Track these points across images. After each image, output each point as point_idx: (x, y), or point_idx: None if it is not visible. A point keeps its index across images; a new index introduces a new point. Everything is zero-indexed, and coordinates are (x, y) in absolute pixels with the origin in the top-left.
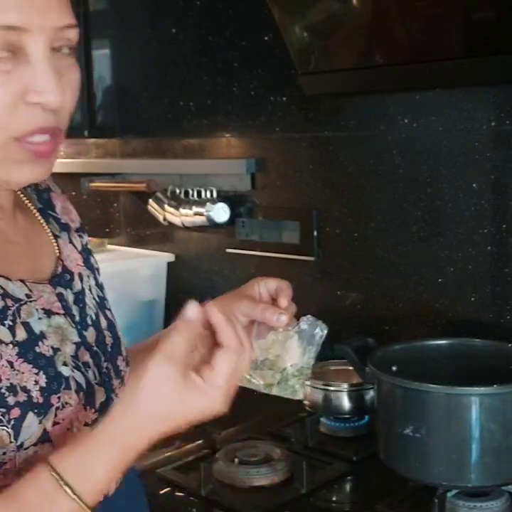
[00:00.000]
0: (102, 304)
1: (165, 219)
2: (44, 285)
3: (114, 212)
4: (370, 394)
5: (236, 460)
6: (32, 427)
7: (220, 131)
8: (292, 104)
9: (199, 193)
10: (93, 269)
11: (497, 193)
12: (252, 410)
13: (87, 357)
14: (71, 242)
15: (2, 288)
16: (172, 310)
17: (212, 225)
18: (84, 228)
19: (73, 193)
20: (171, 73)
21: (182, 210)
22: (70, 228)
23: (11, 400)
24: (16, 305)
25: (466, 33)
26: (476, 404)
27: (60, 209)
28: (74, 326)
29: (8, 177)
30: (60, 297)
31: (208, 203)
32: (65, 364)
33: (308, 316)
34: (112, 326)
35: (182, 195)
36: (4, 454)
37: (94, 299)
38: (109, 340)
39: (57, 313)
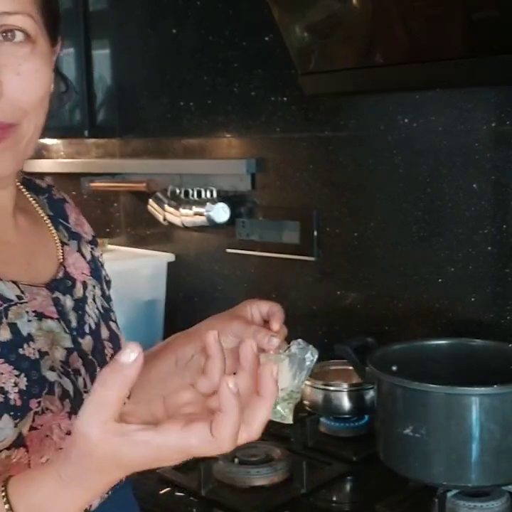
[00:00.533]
0: (106, 315)
1: (165, 219)
2: (39, 288)
3: (114, 212)
4: (370, 394)
5: (236, 460)
6: (6, 429)
7: (220, 131)
8: (292, 104)
9: (199, 193)
10: (101, 281)
11: (497, 193)
12: None
13: (78, 364)
14: (80, 250)
15: None
16: (172, 310)
17: (212, 225)
18: (97, 241)
19: (73, 193)
20: (171, 73)
21: (182, 210)
22: (80, 238)
23: None
24: (5, 305)
25: (466, 33)
26: (476, 404)
27: (74, 220)
28: (68, 331)
29: None
30: (56, 301)
31: (207, 203)
32: (52, 369)
33: (299, 340)
34: (115, 338)
35: (182, 195)
36: None
37: (97, 308)
38: (109, 351)
39: (50, 317)
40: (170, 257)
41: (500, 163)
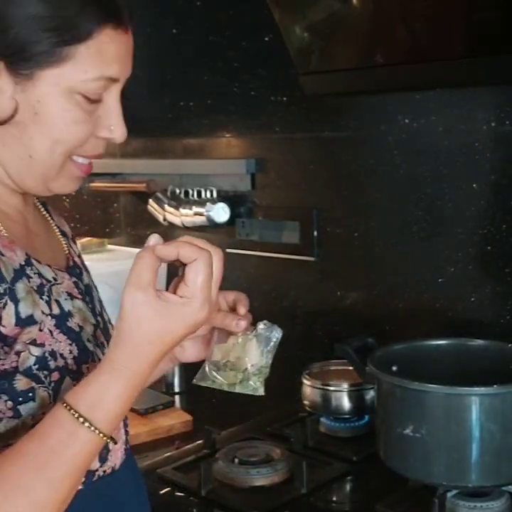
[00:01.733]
0: (102, 303)
1: (165, 219)
2: (63, 272)
3: (114, 213)
4: (370, 394)
5: (236, 460)
6: (68, 390)
7: (221, 131)
8: (292, 104)
9: (199, 193)
10: (90, 274)
11: (497, 193)
12: (252, 410)
13: (102, 338)
14: (70, 246)
15: (37, 268)
16: None
17: (212, 225)
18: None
19: (73, 193)
20: (171, 73)
21: (182, 210)
22: (68, 236)
23: (52, 364)
24: (48, 284)
25: (466, 33)
26: (476, 404)
27: (58, 219)
28: (90, 309)
29: (54, 187)
30: (77, 285)
31: (207, 203)
32: (88, 340)
33: (265, 321)
34: (110, 323)
35: (182, 195)
36: (43, 413)
37: (98, 296)
38: (112, 332)
39: (77, 297)
40: None
41: (500, 163)
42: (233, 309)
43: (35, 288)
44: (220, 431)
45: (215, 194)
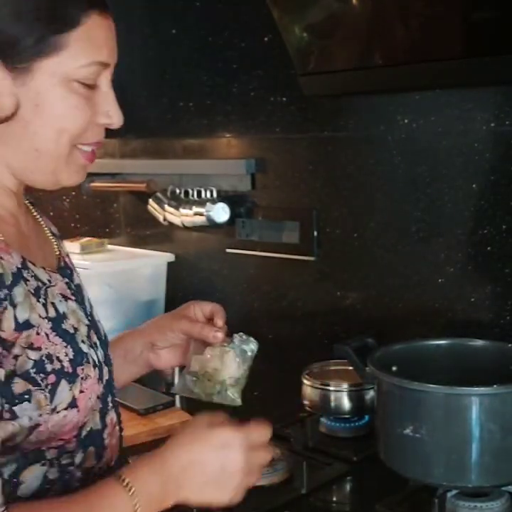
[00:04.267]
0: (91, 302)
1: (165, 219)
2: (56, 274)
3: (114, 213)
4: (370, 394)
5: None
6: (64, 392)
7: (220, 131)
8: (292, 105)
9: (199, 193)
10: (78, 274)
11: (496, 194)
12: (251, 410)
13: (95, 338)
14: (59, 246)
15: (32, 271)
16: (172, 310)
17: (212, 225)
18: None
19: (73, 193)
20: (170, 73)
21: (182, 210)
22: (57, 235)
23: (48, 367)
24: (44, 287)
25: (465, 34)
26: (476, 405)
27: (46, 221)
28: (83, 310)
29: (63, 179)
30: (69, 285)
31: (207, 203)
32: (82, 342)
33: (241, 333)
34: (100, 322)
35: (182, 195)
36: (40, 415)
37: (87, 295)
38: (102, 331)
39: (70, 299)
40: (170, 257)
41: (499, 164)
42: (210, 320)
43: (32, 291)
44: None
45: (215, 194)
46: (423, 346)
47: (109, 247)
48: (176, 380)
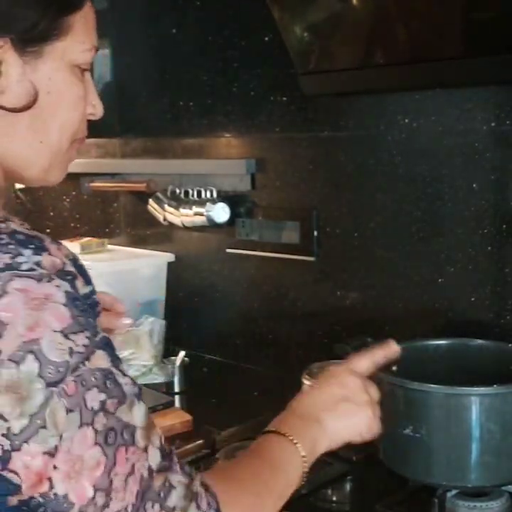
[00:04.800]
0: None
1: (165, 219)
2: None
3: (114, 213)
4: None
5: None
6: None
7: (220, 131)
8: (292, 104)
9: (199, 193)
10: None
11: (497, 193)
12: (251, 410)
13: None
14: None
15: None
16: (172, 310)
17: (212, 225)
18: None
19: (73, 193)
20: (170, 73)
21: (182, 210)
22: None
23: None
24: None
25: (466, 33)
26: (476, 404)
27: None
28: None
29: (52, 176)
30: None
31: (208, 203)
32: None
33: (145, 315)
34: None
35: (182, 195)
36: None
37: None
38: None
39: None
40: (170, 257)
41: (500, 163)
42: (106, 310)
43: None
44: (220, 431)
45: (215, 194)
46: (423, 346)
47: (109, 247)
48: (177, 378)
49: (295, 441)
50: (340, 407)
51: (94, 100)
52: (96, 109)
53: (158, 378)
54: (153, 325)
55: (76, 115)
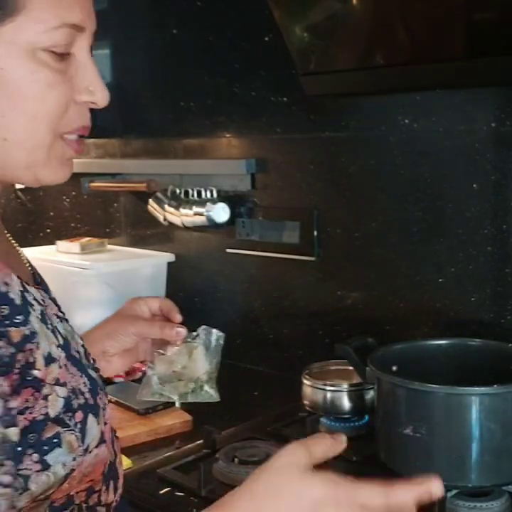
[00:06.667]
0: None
1: (165, 219)
2: (40, 290)
3: (114, 213)
4: (370, 394)
5: (236, 460)
6: (93, 428)
7: (221, 131)
8: (293, 105)
9: (199, 193)
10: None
11: (497, 194)
12: (252, 410)
13: (90, 357)
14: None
15: (31, 293)
16: None
17: (212, 225)
18: None
19: (73, 193)
20: (171, 73)
21: (182, 210)
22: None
23: (74, 403)
24: (44, 309)
25: (467, 34)
26: (476, 404)
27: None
28: (71, 328)
29: (44, 176)
30: (54, 301)
31: (208, 203)
32: (87, 366)
33: (204, 326)
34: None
35: (182, 195)
36: (74, 459)
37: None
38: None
39: (63, 318)
40: (170, 257)
41: (500, 164)
42: (154, 316)
43: (39, 317)
44: (220, 431)
45: (215, 194)
46: (423, 346)
47: (110, 247)
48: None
49: None
50: None
51: (91, 85)
52: (94, 95)
53: (211, 398)
54: (210, 336)
55: (50, 106)
